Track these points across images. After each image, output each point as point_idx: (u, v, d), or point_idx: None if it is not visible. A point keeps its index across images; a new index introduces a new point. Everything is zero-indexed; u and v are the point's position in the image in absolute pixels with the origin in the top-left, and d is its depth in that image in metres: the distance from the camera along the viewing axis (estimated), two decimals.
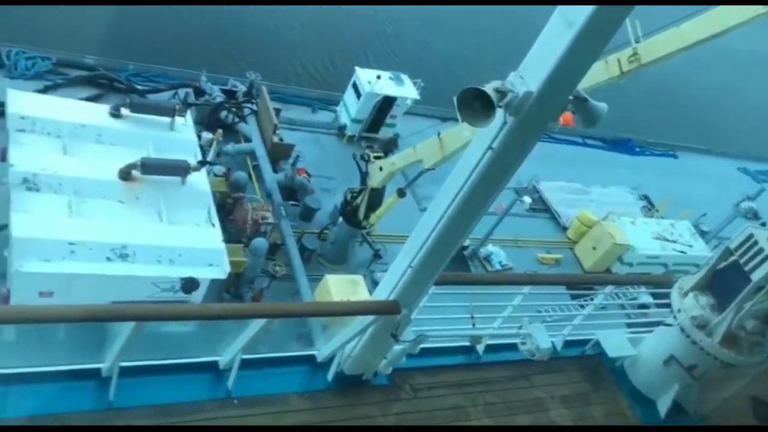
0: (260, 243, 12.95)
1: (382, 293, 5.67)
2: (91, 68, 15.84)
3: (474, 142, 4.60)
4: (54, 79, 15.09)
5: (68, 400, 5.29)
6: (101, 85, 15.65)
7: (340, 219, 14.64)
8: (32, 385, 5.43)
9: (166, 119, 12.46)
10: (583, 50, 3.84)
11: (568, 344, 7.58)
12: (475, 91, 3.84)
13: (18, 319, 4.33)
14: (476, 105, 3.85)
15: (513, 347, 6.59)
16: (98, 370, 5.34)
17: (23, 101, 11.53)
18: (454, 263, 5.60)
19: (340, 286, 12.79)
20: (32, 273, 9.65)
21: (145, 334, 5.03)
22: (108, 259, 10.30)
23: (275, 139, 16.02)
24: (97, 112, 12.18)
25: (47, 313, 4.68)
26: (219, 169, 14.28)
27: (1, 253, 10.42)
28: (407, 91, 18.20)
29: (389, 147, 14.44)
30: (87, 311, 4.39)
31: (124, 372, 5.22)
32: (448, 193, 4.76)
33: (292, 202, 15.28)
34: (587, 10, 3.66)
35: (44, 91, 14.51)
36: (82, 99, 14.35)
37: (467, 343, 6.98)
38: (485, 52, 27.79)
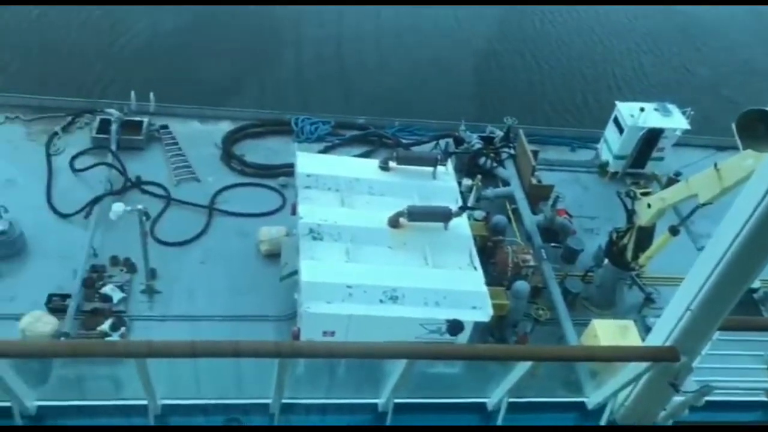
0: (522, 286, 12.88)
1: (657, 339, 5.25)
2: (363, 127, 17.41)
3: (760, 170, 4.11)
4: (333, 139, 16.86)
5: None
6: (372, 141, 17.10)
7: (606, 261, 13.95)
8: (316, 416, 5.98)
9: (429, 169, 13.20)
10: None
11: None
12: (758, 113, 3.46)
13: (310, 353, 4.83)
14: (760, 129, 3.46)
15: None
16: (375, 405, 5.71)
17: (308, 161, 13.08)
18: (742, 307, 5.00)
19: (609, 332, 12.13)
20: (317, 313, 10.75)
21: (416, 372, 5.28)
22: (381, 301, 11.07)
23: (534, 181, 15.95)
24: (369, 167, 13.37)
25: (332, 348, 5.15)
26: (479, 213, 14.59)
27: (292, 295, 11.83)
28: (675, 121, 16.93)
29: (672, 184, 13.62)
30: (365, 348, 4.75)
31: (398, 408, 5.51)
32: (730, 229, 4.28)
33: (553, 244, 14.97)
34: None
35: (325, 151, 16.27)
36: (356, 155, 15.92)
37: (765, 398, 6.13)
38: (756, 69, 24.93)
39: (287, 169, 14.58)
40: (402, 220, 11.93)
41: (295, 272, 11.51)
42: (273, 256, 13.29)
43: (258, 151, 16.12)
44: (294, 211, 12.31)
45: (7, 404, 6.43)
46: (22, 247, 12.75)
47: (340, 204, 12.33)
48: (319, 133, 16.90)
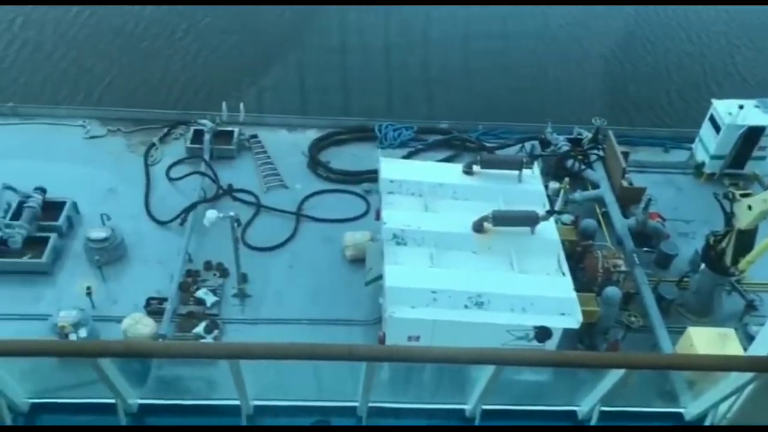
0: (613, 292, 12.47)
1: (762, 348, 4.97)
2: (446, 132, 17.37)
3: None
4: (416, 145, 16.91)
5: None
6: (455, 146, 17.03)
7: (703, 266, 13.31)
8: (404, 419, 6.00)
9: (515, 172, 13.01)
10: None
11: None
12: None
13: (398, 357, 4.86)
14: None
15: None
16: (462, 410, 5.67)
17: (392, 167, 13.17)
18: None
19: (707, 340, 11.56)
20: (402, 318, 10.78)
21: (503, 379, 5.21)
22: (466, 306, 10.99)
23: (624, 183, 15.42)
24: (452, 171, 13.31)
25: (420, 353, 5.16)
26: (567, 217, 14.24)
27: (377, 300, 11.93)
28: None
29: None
30: (453, 353, 4.73)
31: (486, 414, 5.45)
32: None
33: (645, 249, 14.42)
34: None
35: (408, 156, 16.35)
36: (439, 160, 15.90)
37: None
38: None
39: (371, 175, 14.75)
40: (487, 224, 11.81)
41: (380, 277, 11.60)
42: (358, 261, 13.46)
43: (343, 157, 16.40)
44: (378, 217, 12.43)
45: (112, 401, 6.80)
46: (124, 252, 13.45)
47: (424, 209, 12.34)
48: (402, 139, 17.00)
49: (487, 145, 17.00)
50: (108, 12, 24.31)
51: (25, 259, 12.88)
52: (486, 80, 22.29)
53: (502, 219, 11.80)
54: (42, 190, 13.76)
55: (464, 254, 11.66)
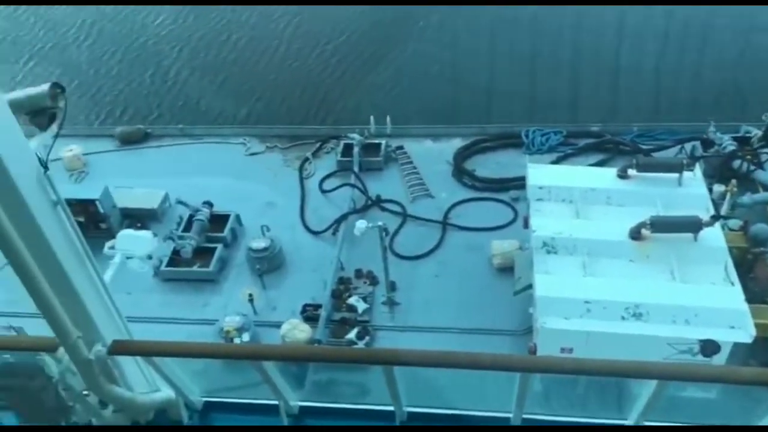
0: None
1: None
2: (598, 135, 16.69)
3: None
4: (565, 149, 16.41)
5: None
6: (608, 149, 16.32)
7: None
8: None
9: (674, 175, 12.23)
10: None
11: None
12: None
13: (554, 368, 4.76)
14: None
15: None
16: (622, 427, 5.42)
17: (540, 173, 12.87)
18: None
19: None
20: (554, 329, 10.47)
21: (666, 396, 4.93)
22: (622, 318, 10.47)
23: None
24: (605, 176, 12.76)
25: (578, 364, 5.01)
26: (734, 222, 13.15)
27: (527, 310, 11.69)
28: None
29: None
30: (613, 366, 4.55)
31: None
32: None
33: None
34: None
35: (557, 161, 15.90)
36: (590, 165, 15.32)
37: None
38: None
39: (518, 182, 14.51)
40: (644, 231, 11.20)
41: (530, 286, 11.37)
42: (506, 269, 13.28)
43: (488, 165, 16.27)
44: (526, 225, 12.19)
45: (275, 402, 7.20)
46: (282, 261, 14.22)
47: (575, 216, 11.93)
48: (551, 144, 16.56)
49: (643, 147, 16.13)
50: (256, 35, 25.97)
51: (195, 268, 13.99)
52: (639, 79, 21.24)
53: (661, 225, 11.14)
54: (209, 204, 14.91)
55: (620, 263, 11.12)
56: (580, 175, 12.96)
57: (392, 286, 13.23)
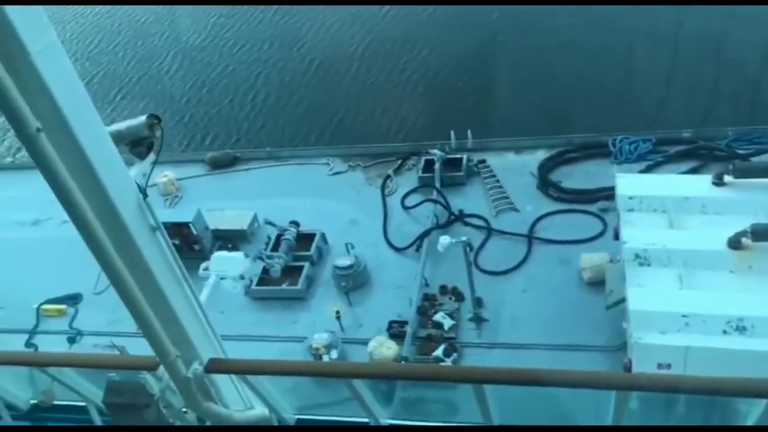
0: None
1: None
2: (690, 141, 16.00)
3: None
4: (655, 157, 15.82)
5: None
6: (701, 156, 15.60)
7: None
8: None
9: None
10: None
11: None
12: None
13: (651, 386, 4.57)
14: None
15: None
16: None
17: (630, 182, 12.44)
18: None
19: None
20: (650, 344, 10.04)
21: None
22: (724, 332, 9.92)
23: None
24: (699, 183, 12.17)
25: (671, 382, 4.80)
26: None
27: (620, 325, 11.28)
28: None
29: None
30: (714, 383, 4.32)
31: None
32: None
33: None
34: None
35: (647, 170, 15.35)
36: (682, 173, 14.70)
37: None
38: None
39: (606, 193, 14.10)
40: (745, 240, 10.60)
41: (622, 300, 10.97)
42: (596, 283, 12.88)
43: (575, 176, 15.89)
44: (617, 236, 11.79)
45: (365, 420, 7.25)
46: (367, 279, 14.35)
47: (669, 226, 11.44)
48: (640, 152, 15.99)
49: (740, 152, 15.35)
50: (331, 56, 26.55)
51: (284, 287, 14.33)
52: (734, 79, 20.27)
53: (764, 233, 10.51)
54: (296, 224, 15.27)
55: (719, 274, 10.56)
56: (672, 184, 12.45)
57: (479, 302, 13.09)
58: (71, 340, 14.32)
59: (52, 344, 14.13)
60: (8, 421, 9.50)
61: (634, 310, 10.33)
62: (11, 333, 14.63)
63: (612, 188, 12.76)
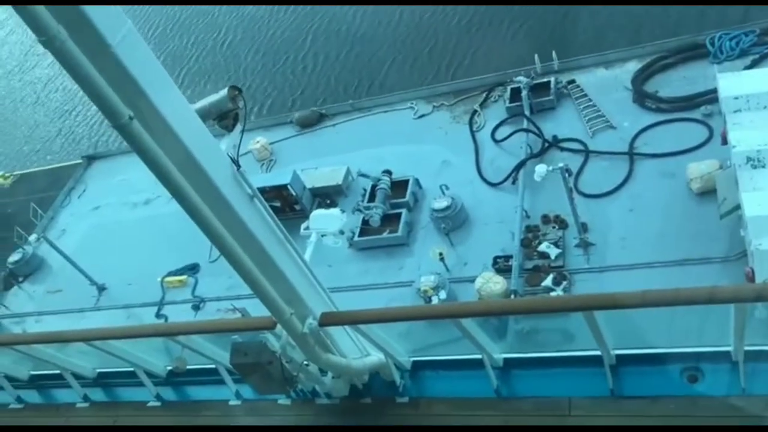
0: None
1: None
2: None
3: None
4: (760, 50, 14.61)
5: None
6: None
7: None
8: None
9: None
10: None
11: None
12: None
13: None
14: None
15: None
16: None
17: (734, 82, 11.58)
18: None
19: None
20: None
21: None
22: None
23: None
24: None
25: None
26: None
27: (737, 233, 10.71)
28: None
29: None
30: None
31: None
32: None
33: None
34: None
35: (752, 65, 14.23)
36: None
37: None
38: None
39: (709, 97, 13.26)
40: None
41: (737, 207, 10.38)
42: (707, 193, 12.24)
43: (672, 83, 14.96)
44: (725, 141, 11.08)
45: (479, 356, 7.34)
46: (466, 217, 14.32)
47: None
48: (742, 47, 14.79)
49: None
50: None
51: (385, 235, 14.55)
52: None
53: None
54: (389, 172, 15.38)
55: None
56: None
57: (584, 228, 12.78)
58: (195, 308, 15.26)
59: (178, 313, 15.13)
60: (152, 388, 10.33)
61: (751, 216, 9.76)
62: (142, 307, 15.78)
63: (714, 90, 11.92)
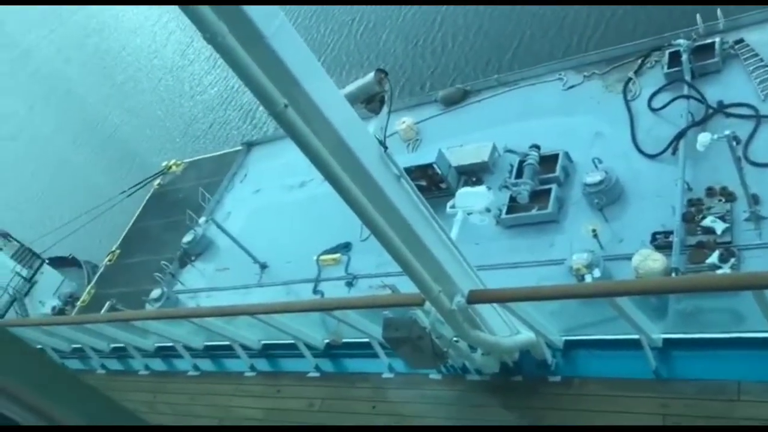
0: None
1: None
2: None
3: None
4: None
5: None
6: None
7: None
8: None
9: None
10: None
11: None
12: None
13: None
14: None
15: None
16: None
17: None
18: None
19: None
20: None
21: None
22: None
23: None
24: None
25: None
26: None
27: None
28: None
29: None
30: None
31: None
32: None
33: None
34: None
35: None
36: None
37: None
38: None
39: None
40: None
41: None
42: None
43: None
44: None
45: (635, 337, 7.04)
46: (621, 191, 13.64)
47: None
48: None
49: None
50: None
51: (534, 212, 14.24)
52: None
53: None
54: (537, 147, 14.98)
55: None
56: None
57: (755, 199, 11.74)
58: (349, 285, 15.89)
59: (333, 289, 15.83)
60: (311, 359, 10.94)
61: None
62: (301, 283, 16.68)
63: None
